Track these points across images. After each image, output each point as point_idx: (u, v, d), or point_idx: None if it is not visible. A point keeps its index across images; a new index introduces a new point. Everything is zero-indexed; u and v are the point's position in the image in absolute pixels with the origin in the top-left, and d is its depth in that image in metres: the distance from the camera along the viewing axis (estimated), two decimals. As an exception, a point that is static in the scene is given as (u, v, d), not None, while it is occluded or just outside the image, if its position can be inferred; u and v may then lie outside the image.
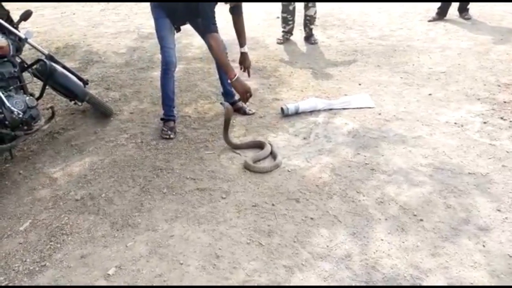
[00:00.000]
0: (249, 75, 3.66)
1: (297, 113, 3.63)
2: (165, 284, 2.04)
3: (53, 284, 2.07)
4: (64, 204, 2.68)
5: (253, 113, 3.71)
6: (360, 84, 4.22)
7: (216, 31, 2.94)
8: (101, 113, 3.70)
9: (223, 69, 3.01)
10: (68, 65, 5.05)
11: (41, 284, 2.07)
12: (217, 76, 3.73)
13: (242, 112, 3.70)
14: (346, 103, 3.73)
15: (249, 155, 3.08)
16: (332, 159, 2.97)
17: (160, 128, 3.48)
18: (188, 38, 5.49)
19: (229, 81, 3.01)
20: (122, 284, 2.04)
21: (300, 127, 3.45)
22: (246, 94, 3.02)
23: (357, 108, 3.69)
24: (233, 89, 3.69)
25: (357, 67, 4.66)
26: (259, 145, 3.18)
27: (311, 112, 3.66)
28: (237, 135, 3.39)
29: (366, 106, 3.70)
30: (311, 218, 2.39)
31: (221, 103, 3.23)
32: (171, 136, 3.38)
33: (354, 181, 2.70)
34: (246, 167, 2.90)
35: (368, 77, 4.39)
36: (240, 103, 3.72)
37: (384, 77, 4.36)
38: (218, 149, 3.19)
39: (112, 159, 3.15)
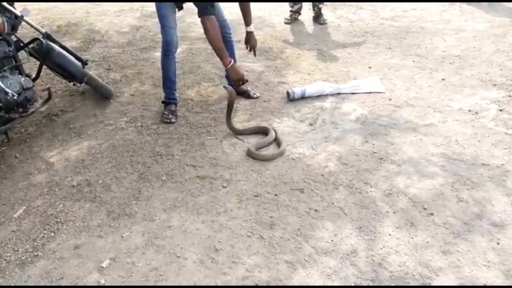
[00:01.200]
0: (255, 55, 3.51)
1: (303, 98, 3.48)
2: (161, 278, 1.95)
3: (44, 275, 1.99)
4: (60, 191, 2.59)
5: (257, 97, 3.57)
6: (370, 68, 4.05)
7: (213, 13, 2.78)
8: (101, 95, 3.58)
9: (217, 55, 2.89)
10: (69, 44, 4.95)
11: (32, 276, 1.99)
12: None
13: (246, 95, 3.56)
14: (355, 87, 3.57)
15: (252, 142, 2.96)
16: (339, 147, 2.84)
17: (161, 112, 3.35)
18: (191, 17, 5.30)
19: (223, 67, 2.89)
20: (116, 277, 1.95)
21: (306, 113, 3.31)
22: (239, 82, 2.95)
23: (367, 92, 3.53)
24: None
25: (368, 49, 4.47)
26: (263, 131, 3.06)
27: (318, 96, 3.51)
28: (241, 120, 3.26)
29: (376, 91, 3.54)
30: (316, 210, 2.28)
31: (224, 87, 3.09)
32: (172, 120, 3.26)
33: (361, 171, 2.57)
34: (249, 154, 2.79)
35: (379, 60, 4.21)
36: (245, 86, 3.57)
37: (395, 60, 4.18)
38: (220, 135, 3.07)
39: (110, 144, 3.05)
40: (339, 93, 3.54)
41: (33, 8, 6.07)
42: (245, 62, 4.18)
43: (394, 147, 2.79)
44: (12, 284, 1.96)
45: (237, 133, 3.06)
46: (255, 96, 3.57)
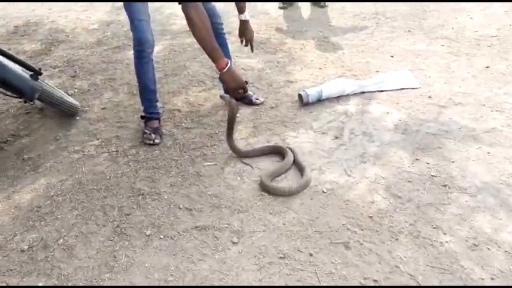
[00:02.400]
0: (252, 49, 2.77)
1: (319, 100, 2.75)
2: None
3: None
4: (3, 259, 1.84)
5: (261, 103, 2.83)
6: (392, 56, 3.33)
7: None
8: (62, 111, 2.80)
9: (208, 55, 2.07)
10: (28, 47, 4.11)
11: None
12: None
13: (247, 101, 2.83)
14: (382, 83, 2.86)
15: (264, 167, 2.23)
16: (382, 169, 2.13)
17: (141, 130, 2.60)
18: (171, 7, 4.49)
19: (217, 71, 2.11)
20: None
21: (327, 121, 2.58)
22: (239, 91, 2.14)
23: (397, 89, 2.82)
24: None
25: (383, 34, 3.75)
26: (277, 151, 2.33)
27: (338, 98, 2.79)
28: (243, 135, 2.53)
29: (409, 87, 2.84)
30: (375, 280, 1.57)
31: (221, 96, 2.34)
32: (156, 140, 2.52)
33: (423, 207, 1.87)
34: (263, 188, 2.06)
35: (400, 46, 3.50)
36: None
37: (420, 45, 3.47)
38: (220, 158, 2.34)
39: (76, 180, 2.29)
40: (362, 92, 2.82)
41: (-13, 8, 5.22)
42: (239, 58, 3.43)
43: (457, 166, 2.10)
44: None
45: (242, 155, 2.33)
46: (258, 101, 2.83)
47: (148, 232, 1.90)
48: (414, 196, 1.94)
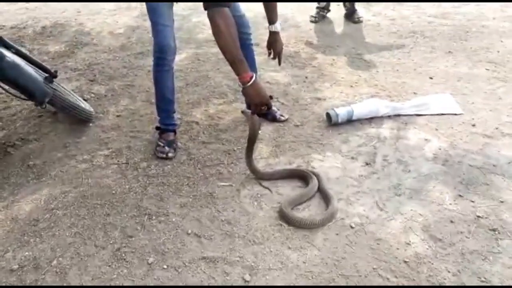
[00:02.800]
0: (279, 63, 2.55)
1: (349, 121, 2.51)
2: None
3: None
4: (-10, 279, 1.66)
5: (285, 120, 2.62)
6: (431, 78, 3.07)
7: (227, 5, 1.81)
8: (74, 117, 2.65)
9: (231, 66, 1.86)
10: (52, 48, 4.04)
11: None
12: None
13: (270, 117, 2.61)
14: (421, 107, 2.60)
15: (284, 193, 2.00)
16: (419, 205, 1.86)
17: (155, 142, 2.42)
18: (199, 15, 4.36)
19: (239, 85, 1.89)
20: None
21: (358, 144, 2.34)
22: (261, 107, 1.92)
23: (437, 114, 2.55)
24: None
25: (422, 54, 3.49)
26: (300, 176, 2.10)
27: (370, 119, 2.54)
28: (264, 154, 2.31)
29: (451, 112, 2.56)
30: None
31: (242, 112, 2.13)
32: (169, 154, 2.32)
33: (468, 255, 1.60)
34: (282, 217, 1.83)
35: (440, 68, 3.23)
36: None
37: (463, 68, 3.19)
38: (237, 179, 2.12)
39: (80, 193, 2.11)
40: (398, 115, 2.57)
41: (19, 7, 5.22)
42: (265, 71, 3.23)
43: (509, 208, 1.82)
44: None
45: (261, 177, 2.11)
46: (282, 118, 2.61)
47: (150, 260, 1.69)
48: (457, 241, 1.67)
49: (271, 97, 2.64)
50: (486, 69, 3.14)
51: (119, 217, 1.93)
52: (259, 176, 2.11)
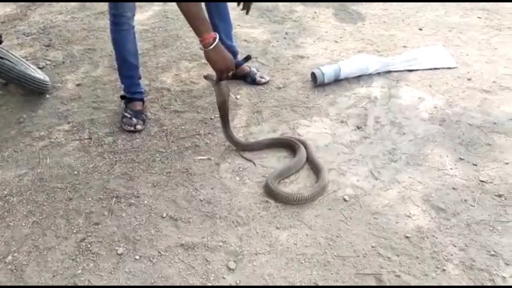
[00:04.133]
0: (247, 12, 2.19)
1: (336, 81, 2.29)
2: None
3: None
4: None
5: (266, 82, 2.37)
6: (421, 29, 2.84)
7: None
8: (28, 88, 2.33)
9: (191, 25, 1.62)
10: (1, 11, 3.62)
11: None
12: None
13: (250, 80, 2.36)
14: (412, 61, 2.39)
15: (269, 166, 1.79)
16: (417, 171, 1.69)
17: (121, 113, 2.15)
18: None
19: (201, 48, 1.65)
20: None
21: (347, 106, 2.13)
22: (225, 73, 1.69)
23: (430, 69, 2.35)
24: (235, 44, 2.33)
25: (409, 3, 3.24)
26: (286, 145, 1.89)
27: (358, 77, 2.32)
28: (244, 122, 2.08)
29: (444, 66, 2.37)
30: (423, 337, 1.16)
31: (205, 77, 1.85)
32: (138, 127, 2.07)
33: (475, 226, 1.45)
34: (269, 193, 1.63)
35: (429, 18, 3.00)
36: (247, 67, 2.37)
37: (454, 18, 2.97)
38: (215, 151, 1.90)
39: (37, 175, 1.86)
40: (388, 71, 2.35)
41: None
42: (241, 27, 2.94)
43: (515, 170, 1.66)
44: None
45: (242, 148, 1.89)
46: (263, 80, 2.37)
47: (120, 250, 1.48)
48: (461, 210, 1.51)
49: (249, 57, 2.38)
50: (478, 17, 2.93)
51: (83, 201, 1.70)
52: (240, 147, 1.89)
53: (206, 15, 2.24)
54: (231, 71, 1.71)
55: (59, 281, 1.39)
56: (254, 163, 1.81)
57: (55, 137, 2.09)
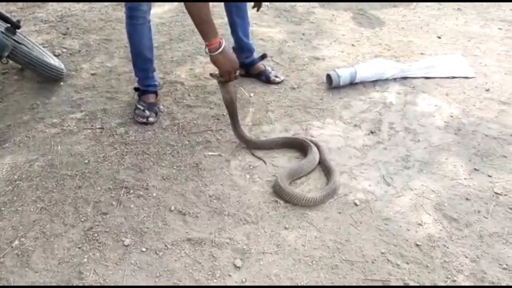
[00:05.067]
0: (258, 9, 2.19)
1: (351, 84, 2.27)
2: None
3: None
4: None
5: (281, 82, 2.36)
6: (439, 37, 2.81)
7: None
8: (43, 75, 2.34)
9: (198, 28, 1.64)
10: (20, -3, 3.64)
11: None
12: (226, 18, 2.31)
13: (264, 78, 2.35)
14: (430, 69, 2.36)
15: (280, 165, 1.78)
16: (430, 179, 1.67)
17: (134, 105, 2.15)
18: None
19: (206, 52, 1.67)
20: None
21: (361, 110, 2.11)
22: (231, 74, 1.71)
23: (447, 77, 2.32)
24: (251, 42, 2.32)
25: (428, 10, 3.21)
26: (297, 146, 1.87)
27: (374, 82, 2.30)
28: (256, 120, 2.07)
29: (462, 75, 2.33)
30: None
31: (211, 75, 1.84)
32: (150, 119, 2.07)
33: (487, 238, 1.42)
34: (278, 192, 1.61)
35: (449, 26, 2.96)
36: (262, 64, 2.36)
37: (473, 27, 2.93)
38: (226, 148, 1.89)
39: (48, 161, 1.86)
40: (405, 78, 2.33)
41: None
42: (257, 26, 2.93)
43: (531, 184, 1.62)
44: None
45: (253, 146, 1.88)
46: (277, 80, 2.35)
47: (127, 241, 1.47)
48: (474, 221, 1.48)
49: (264, 56, 2.36)
50: (499, 29, 2.89)
51: (92, 190, 1.70)
52: (250, 146, 1.88)
53: (225, 13, 2.25)
54: (237, 72, 1.72)
55: (65, 269, 1.39)
56: (265, 162, 1.80)
57: (67, 124, 2.10)
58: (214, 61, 1.67)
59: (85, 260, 1.42)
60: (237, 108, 1.85)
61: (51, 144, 1.97)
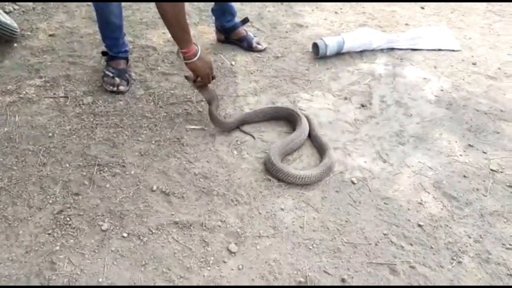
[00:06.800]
0: None
1: (337, 54, 2.15)
2: None
3: None
4: None
5: (263, 49, 2.20)
6: (423, 8, 2.73)
7: None
8: (-7, 35, 2.04)
9: (175, 35, 1.52)
10: None
11: None
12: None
13: (246, 45, 2.18)
14: (417, 40, 2.28)
15: (269, 140, 1.65)
16: (427, 156, 1.61)
17: (102, 71, 1.92)
18: None
19: (180, 56, 1.58)
20: None
21: (350, 82, 2.00)
22: (211, 74, 1.65)
23: (434, 50, 2.25)
24: (233, 4, 2.13)
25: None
26: (286, 116, 1.74)
27: (361, 53, 2.19)
28: (240, 91, 1.91)
29: (448, 48, 2.27)
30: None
31: (186, 77, 1.71)
32: (121, 87, 1.86)
33: (488, 217, 1.38)
34: (271, 171, 1.49)
35: (431, -3, 2.88)
36: (243, 29, 2.18)
37: (455, -1, 2.87)
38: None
39: (5, 135, 1.63)
40: (391, 49, 2.24)
41: None
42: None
43: (525, 161, 1.60)
44: None
45: (235, 125, 1.71)
46: (259, 47, 2.19)
47: (104, 226, 1.30)
48: (474, 199, 1.44)
49: (247, 19, 2.19)
50: (481, 1, 2.84)
51: (59, 168, 1.50)
52: (232, 126, 1.70)
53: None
54: (212, 75, 1.66)
55: (33, 258, 1.21)
56: (253, 137, 1.66)
57: (24, 92, 1.85)
58: (193, 68, 1.58)
59: (57, 248, 1.24)
60: (218, 105, 1.71)
61: (7, 114, 1.73)
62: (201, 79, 1.62)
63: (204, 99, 1.74)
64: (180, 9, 1.44)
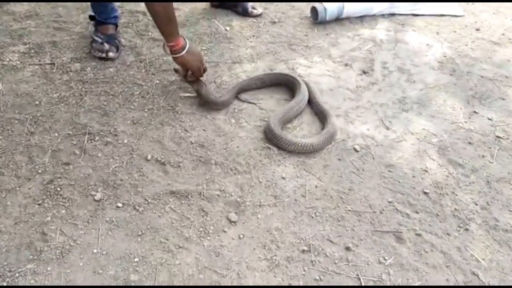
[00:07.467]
0: None
1: (337, 19, 2.07)
2: None
3: None
4: None
5: (259, 14, 2.10)
6: (423, -27, 2.62)
7: None
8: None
9: (162, 29, 1.42)
10: None
11: None
12: None
13: (241, 10, 2.09)
14: (418, 5, 2.20)
15: (268, 108, 1.58)
16: (431, 123, 1.56)
17: (90, 37, 1.82)
18: None
19: (167, 51, 1.48)
20: None
21: (350, 48, 1.93)
22: (202, 67, 1.54)
23: (436, 15, 2.17)
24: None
25: None
26: (286, 82, 1.67)
27: (361, 18, 2.11)
28: (236, 58, 1.83)
29: (451, 14, 2.19)
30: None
31: (175, 70, 1.61)
32: (110, 54, 1.76)
33: (495, 184, 1.35)
34: (271, 139, 1.43)
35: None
36: (238, -5, 2.08)
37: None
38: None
39: (-13, 103, 1.54)
40: (392, 14, 2.15)
41: None
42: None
43: (531, 127, 1.56)
44: None
45: (234, 96, 1.63)
46: (255, 12, 2.10)
47: (97, 196, 1.24)
48: (479, 166, 1.40)
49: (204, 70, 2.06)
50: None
51: (47, 137, 1.42)
52: (231, 99, 1.62)
53: None
54: (204, 68, 1.57)
55: (24, 230, 1.15)
56: (254, 103, 1.59)
57: (8, 59, 1.74)
58: (182, 62, 1.48)
59: (49, 218, 1.18)
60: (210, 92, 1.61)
61: (-10, 82, 1.63)
62: (192, 73, 1.53)
63: (195, 93, 1.62)
64: (170, 6, 1.35)
